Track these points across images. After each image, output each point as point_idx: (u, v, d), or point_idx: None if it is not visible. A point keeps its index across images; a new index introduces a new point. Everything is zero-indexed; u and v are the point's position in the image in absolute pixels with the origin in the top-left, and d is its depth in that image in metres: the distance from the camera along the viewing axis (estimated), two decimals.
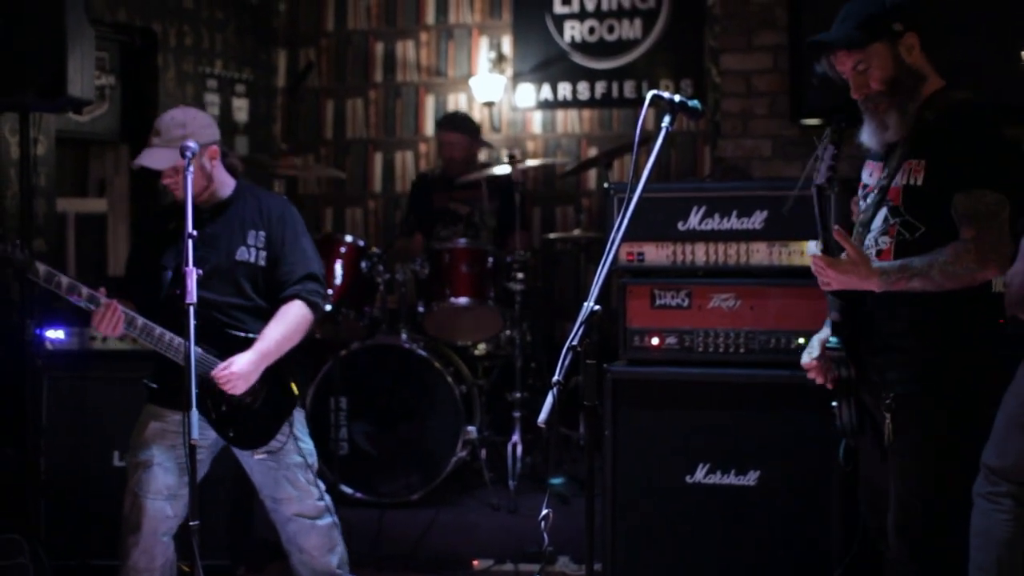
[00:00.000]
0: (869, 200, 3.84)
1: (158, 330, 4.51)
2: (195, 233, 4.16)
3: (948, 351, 3.74)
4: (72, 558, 5.47)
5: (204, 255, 4.56)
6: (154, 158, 4.59)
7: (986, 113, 3.75)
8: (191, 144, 4.39)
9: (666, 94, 3.85)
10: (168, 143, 4.56)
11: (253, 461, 4.76)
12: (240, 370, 4.55)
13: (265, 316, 4.71)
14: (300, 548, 4.85)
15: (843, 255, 3.67)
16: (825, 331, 3.96)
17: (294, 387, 4.75)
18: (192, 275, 4.08)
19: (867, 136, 3.85)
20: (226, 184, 4.78)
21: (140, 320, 4.49)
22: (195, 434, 3.94)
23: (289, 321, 4.68)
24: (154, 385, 4.64)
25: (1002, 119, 3.78)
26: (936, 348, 3.74)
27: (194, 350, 4.28)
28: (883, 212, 3.78)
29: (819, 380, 3.96)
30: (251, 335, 4.66)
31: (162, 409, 4.63)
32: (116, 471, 5.51)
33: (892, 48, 3.76)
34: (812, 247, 3.76)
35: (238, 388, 4.56)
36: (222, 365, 4.55)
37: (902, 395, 3.73)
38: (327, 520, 4.88)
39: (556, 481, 6.83)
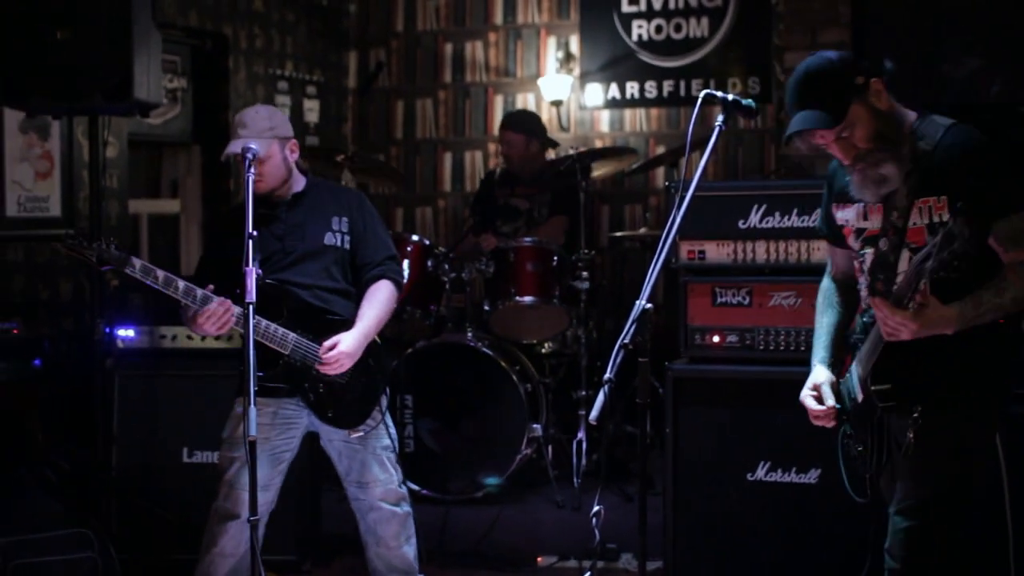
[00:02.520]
0: (881, 243, 3.72)
1: (264, 323, 4.60)
2: (255, 233, 4.25)
3: (988, 370, 3.71)
4: (141, 553, 5.56)
5: (292, 244, 4.79)
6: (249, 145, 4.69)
7: (979, 133, 3.66)
8: (253, 146, 4.52)
9: (719, 93, 3.85)
10: (258, 134, 4.69)
11: (343, 445, 4.84)
12: (348, 349, 4.68)
13: (351, 297, 4.88)
14: (378, 539, 4.93)
15: (911, 305, 3.51)
16: (823, 373, 3.92)
17: (384, 367, 4.91)
18: (251, 275, 4.16)
19: (861, 192, 3.72)
20: (299, 178, 4.93)
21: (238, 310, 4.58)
22: (252, 430, 3.99)
23: (383, 300, 4.86)
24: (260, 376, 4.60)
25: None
26: (979, 367, 3.68)
27: (291, 336, 4.63)
28: (905, 255, 3.67)
29: (829, 423, 3.91)
30: (342, 317, 4.79)
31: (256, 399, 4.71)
32: (186, 467, 5.63)
33: (865, 104, 3.64)
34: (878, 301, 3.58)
35: (344, 366, 4.69)
36: (328, 344, 4.67)
37: (933, 403, 3.66)
38: (406, 508, 4.97)
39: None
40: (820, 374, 3.95)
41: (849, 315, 4.02)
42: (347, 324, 4.77)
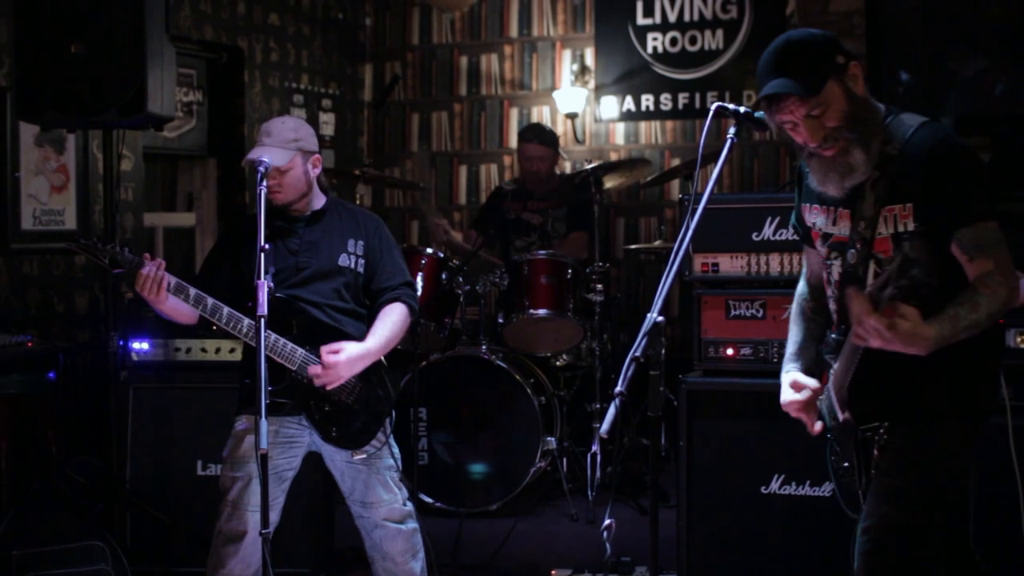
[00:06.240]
0: (849, 255, 3.59)
1: (272, 336, 4.57)
2: (267, 246, 4.24)
3: (959, 386, 3.55)
4: (155, 565, 5.57)
5: (305, 260, 4.74)
6: (268, 155, 4.62)
7: (949, 135, 3.53)
8: (265, 160, 4.51)
9: (731, 105, 3.84)
10: (282, 144, 4.67)
11: (345, 465, 4.82)
12: (349, 357, 4.62)
13: (362, 319, 4.84)
14: (384, 554, 4.90)
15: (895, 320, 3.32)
16: (796, 373, 3.82)
17: (391, 389, 4.86)
18: (263, 288, 4.15)
19: (823, 184, 3.57)
20: (320, 196, 4.89)
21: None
22: (263, 444, 3.99)
23: (395, 321, 4.81)
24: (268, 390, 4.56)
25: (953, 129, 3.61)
26: (948, 381, 3.53)
27: (299, 352, 4.58)
28: (872, 267, 3.54)
29: (816, 427, 3.78)
30: (352, 335, 4.75)
31: (254, 418, 4.68)
32: (199, 480, 5.63)
33: (842, 83, 3.48)
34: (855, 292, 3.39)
35: (342, 374, 4.63)
36: (331, 347, 4.62)
37: (902, 416, 3.55)
38: (411, 525, 4.95)
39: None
40: (797, 375, 3.82)
41: (821, 325, 3.87)
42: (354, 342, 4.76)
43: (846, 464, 3.76)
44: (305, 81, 8.89)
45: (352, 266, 4.82)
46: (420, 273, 6.99)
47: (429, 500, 6.70)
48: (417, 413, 6.73)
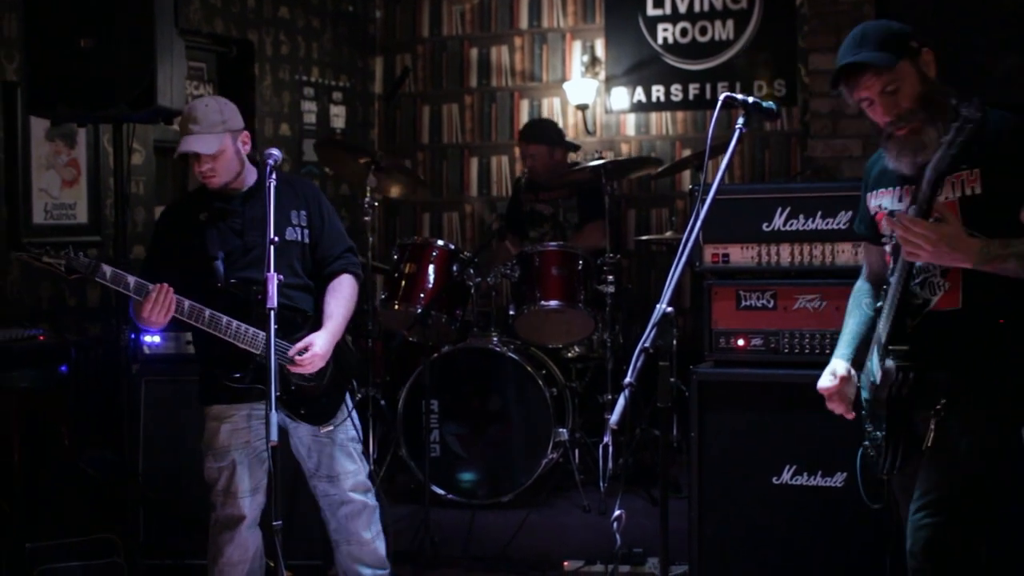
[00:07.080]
0: (910, 213, 3.61)
1: (208, 312, 4.56)
2: (276, 239, 4.26)
3: (1018, 366, 3.62)
4: (167, 558, 5.58)
5: (252, 239, 4.70)
6: (201, 144, 4.64)
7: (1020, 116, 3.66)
8: (275, 152, 4.52)
9: (739, 96, 3.84)
10: (210, 129, 4.66)
11: (312, 440, 4.84)
12: (321, 351, 4.67)
13: (312, 292, 4.86)
14: (350, 535, 4.95)
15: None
16: (842, 364, 3.93)
17: (351, 358, 4.94)
18: (273, 280, 4.17)
19: (897, 162, 3.70)
20: (252, 170, 4.85)
21: (187, 303, 4.55)
22: (274, 436, 4.01)
23: (347, 296, 4.86)
24: (236, 378, 4.64)
25: None
26: (1009, 361, 3.61)
27: (262, 336, 4.53)
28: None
29: (840, 409, 3.92)
30: (307, 313, 4.79)
31: (224, 407, 4.72)
32: None
33: (915, 65, 3.68)
34: (899, 212, 3.65)
35: (317, 367, 4.69)
36: (300, 346, 4.65)
37: (958, 396, 3.61)
38: (374, 501, 5.00)
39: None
40: (839, 364, 3.96)
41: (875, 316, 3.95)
42: (312, 320, 4.77)
43: (878, 434, 3.78)
44: (316, 74, 8.89)
45: (299, 238, 4.83)
46: (431, 265, 7.00)
47: (441, 492, 6.71)
48: (429, 405, 6.74)
